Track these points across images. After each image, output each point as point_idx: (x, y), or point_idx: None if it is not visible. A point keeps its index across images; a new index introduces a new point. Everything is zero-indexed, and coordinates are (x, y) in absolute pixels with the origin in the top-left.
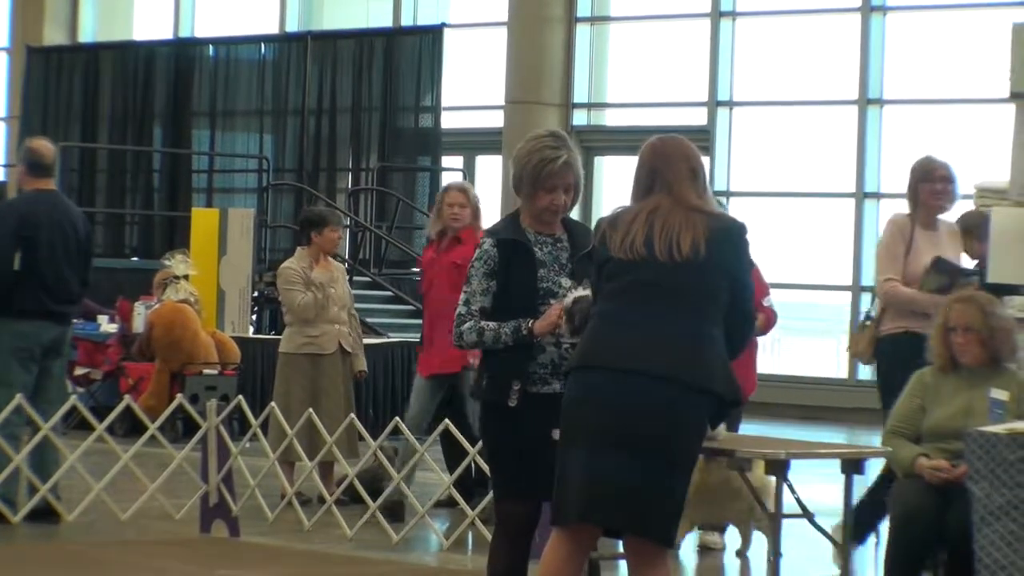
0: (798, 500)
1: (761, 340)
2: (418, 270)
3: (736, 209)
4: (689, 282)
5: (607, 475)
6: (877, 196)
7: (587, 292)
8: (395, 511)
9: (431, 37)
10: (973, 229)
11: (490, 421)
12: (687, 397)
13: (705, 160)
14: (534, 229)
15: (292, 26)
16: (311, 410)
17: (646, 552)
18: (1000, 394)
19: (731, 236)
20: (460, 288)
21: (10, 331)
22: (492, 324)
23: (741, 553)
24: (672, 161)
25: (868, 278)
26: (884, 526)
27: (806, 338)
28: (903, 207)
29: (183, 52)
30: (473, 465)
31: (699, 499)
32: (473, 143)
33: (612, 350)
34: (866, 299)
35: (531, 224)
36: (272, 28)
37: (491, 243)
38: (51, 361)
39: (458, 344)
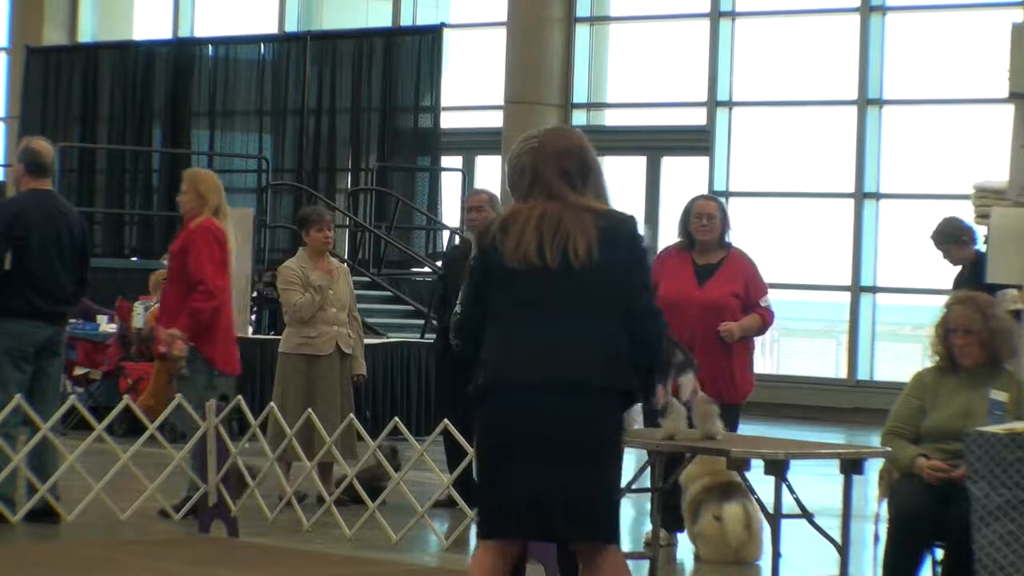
0: (797, 500)
1: (758, 340)
2: (417, 270)
3: (735, 209)
4: (588, 285)
5: (548, 489)
6: (876, 196)
7: None
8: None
9: (430, 37)
10: (950, 237)
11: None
12: (607, 400)
13: (704, 160)
14: None
15: (291, 26)
16: (310, 410)
17: (597, 551)
18: (999, 395)
19: (623, 233)
20: (179, 279)
21: (2, 331)
22: None
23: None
24: (548, 161)
25: (867, 278)
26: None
27: (805, 338)
28: (901, 207)
29: (182, 52)
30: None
31: (710, 495)
32: (472, 143)
33: (528, 364)
34: (866, 299)
35: None
36: (271, 28)
37: (490, 243)
38: (47, 361)
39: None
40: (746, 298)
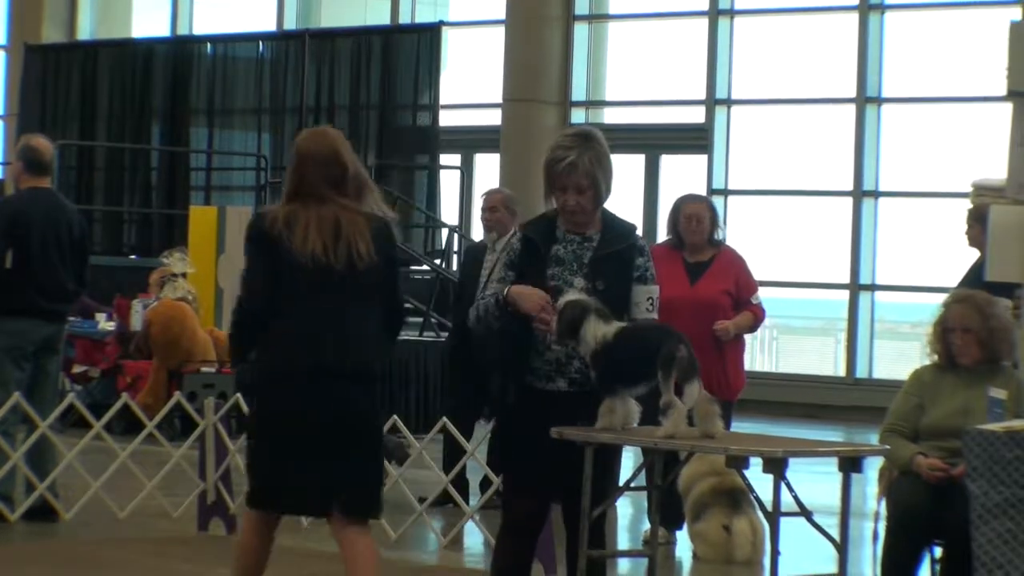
0: (796, 498)
1: (755, 338)
2: (416, 268)
3: (734, 207)
4: (365, 283)
5: (335, 468)
6: (875, 194)
7: (579, 296)
8: None
9: (429, 35)
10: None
11: (497, 417)
12: (376, 386)
13: (703, 158)
14: (564, 227)
15: (290, 24)
16: None
17: (361, 527)
18: (999, 393)
19: (388, 235)
20: None
21: (2, 330)
22: (489, 295)
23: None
24: (312, 167)
25: (866, 276)
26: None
27: (804, 337)
28: (900, 205)
29: (181, 50)
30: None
31: (718, 500)
32: (471, 141)
33: (315, 354)
34: (864, 297)
35: (563, 222)
36: (270, 26)
37: (518, 237)
38: (46, 359)
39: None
40: (737, 295)
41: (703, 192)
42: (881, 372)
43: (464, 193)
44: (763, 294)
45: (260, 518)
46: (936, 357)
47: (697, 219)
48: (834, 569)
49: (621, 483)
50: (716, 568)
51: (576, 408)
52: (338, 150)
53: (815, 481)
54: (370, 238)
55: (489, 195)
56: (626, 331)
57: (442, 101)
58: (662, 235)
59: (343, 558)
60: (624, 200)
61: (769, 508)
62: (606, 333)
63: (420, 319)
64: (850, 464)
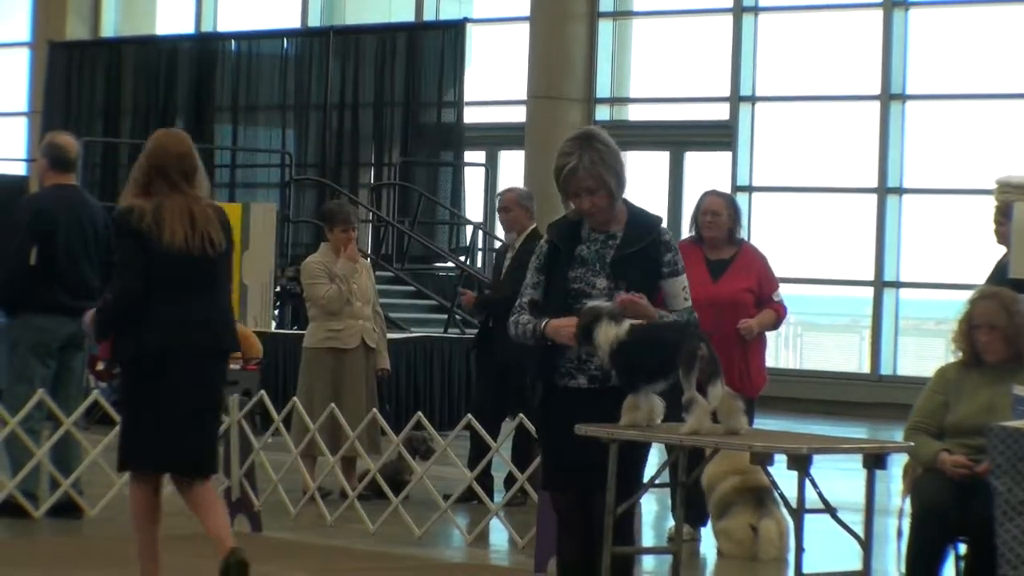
0: (820, 495)
1: (779, 334)
2: (440, 265)
3: (759, 204)
4: (217, 268)
5: (194, 434)
6: (899, 191)
7: (596, 303)
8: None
9: (453, 32)
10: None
11: (537, 416)
12: (227, 362)
13: (727, 155)
14: (589, 226)
15: (314, 21)
16: (333, 405)
17: (205, 486)
18: (1023, 391)
19: (228, 224)
20: None
21: (28, 326)
22: (524, 318)
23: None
24: (171, 160)
25: (890, 273)
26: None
27: (828, 333)
28: (924, 202)
29: (205, 47)
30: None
31: (744, 499)
32: (496, 138)
33: (186, 335)
34: (889, 294)
35: (587, 220)
36: (294, 23)
37: (546, 239)
38: (71, 356)
39: (510, 334)
40: (759, 293)
41: (728, 189)
42: (905, 369)
43: (489, 190)
44: (787, 291)
45: (142, 480)
46: (961, 354)
47: (714, 212)
48: (859, 566)
49: (645, 480)
50: (741, 565)
51: (596, 404)
52: (192, 148)
53: (840, 478)
54: (218, 226)
55: (502, 196)
56: (642, 328)
57: (466, 98)
58: (686, 232)
59: (192, 507)
60: (649, 197)
61: (794, 505)
62: (618, 333)
63: (445, 316)
64: (874, 461)
